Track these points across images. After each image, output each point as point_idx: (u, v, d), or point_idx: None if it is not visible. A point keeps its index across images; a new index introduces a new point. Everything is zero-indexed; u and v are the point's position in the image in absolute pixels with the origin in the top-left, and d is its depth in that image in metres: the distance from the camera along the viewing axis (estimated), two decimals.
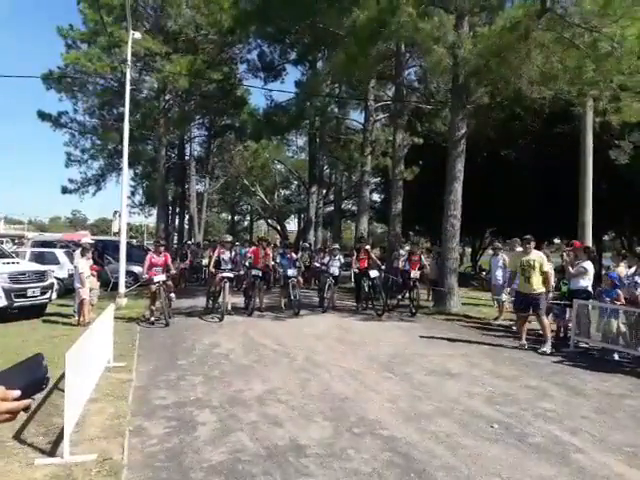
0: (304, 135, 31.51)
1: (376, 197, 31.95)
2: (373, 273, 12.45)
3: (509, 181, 20.16)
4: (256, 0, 17.23)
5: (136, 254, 17.16)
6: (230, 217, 52.59)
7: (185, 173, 30.01)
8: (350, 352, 8.14)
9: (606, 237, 27.83)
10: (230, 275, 11.67)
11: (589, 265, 9.18)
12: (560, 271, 10.10)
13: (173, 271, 11.77)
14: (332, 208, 34.71)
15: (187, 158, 30.24)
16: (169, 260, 11.27)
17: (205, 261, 16.67)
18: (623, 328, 8.00)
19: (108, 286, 14.64)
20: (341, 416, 5.05)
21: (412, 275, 12.60)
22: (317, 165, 28.34)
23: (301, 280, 13.25)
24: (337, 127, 25.94)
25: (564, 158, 16.79)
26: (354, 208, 34.25)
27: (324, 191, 33.79)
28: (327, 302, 12.80)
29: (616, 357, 8.08)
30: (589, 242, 13.44)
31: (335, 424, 4.81)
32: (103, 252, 17.29)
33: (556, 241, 23.58)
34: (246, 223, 54.94)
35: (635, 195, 17.44)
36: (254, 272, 12.28)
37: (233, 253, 12.20)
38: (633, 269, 8.51)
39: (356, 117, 25.71)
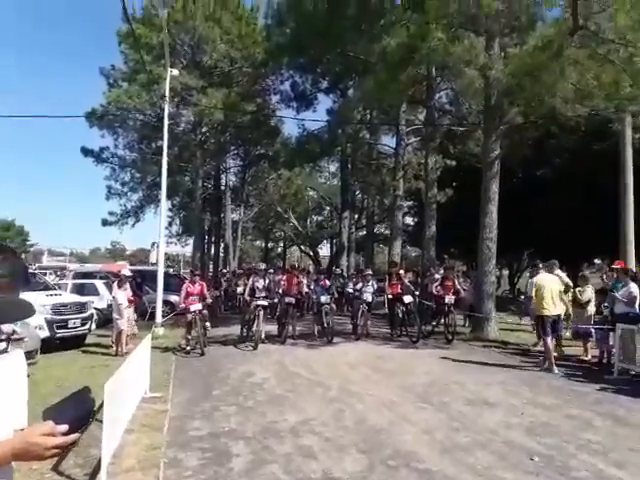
0: (336, 161, 31.75)
1: (409, 220, 31.74)
2: (407, 299, 12.29)
3: (546, 201, 19.73)
4: (287, 32, 17.74)
5: (173, 283, 17.44)
6: (264, 244, 53.17)
7: (221, 203, 30.59)
8: (385, 381, 8.03)
9: None
10: (264, 303, 11.70)
11: (635, 288, 8.83)
12: (601, 293, 9.76)
13: (209, 300, 11.91)
14: (364, 232, 34.69)
15: (223, 188, 30.86)
16: (205, 289, 11.44)
17: (240, 289, 16.80)
18: None
19: (145, 316, 14.90)
20: (376, 448, 4.96)
21: (447, 300, 12.30)
22: (349, 190, 28.52)
23: (334, 307, 13.19)
24: (369, 152, 26.06)
25: (603, 176, 16.39)
26: (387, 232, 34.09)
27: (356, 216, 33.85)
28: (360, 329, 12.67)
29: None
30: (632, 262, 12.96)
31: (370, 456, 4.73)
32: (142, 282, 17.71)
33: (597, 261, 22.75)
34: (279, 250, 55.41)
35: None
36: (287, 300, 12.32)
37: (267, 280, 12.24)
38: None
39: (388, 141, 25.87)
